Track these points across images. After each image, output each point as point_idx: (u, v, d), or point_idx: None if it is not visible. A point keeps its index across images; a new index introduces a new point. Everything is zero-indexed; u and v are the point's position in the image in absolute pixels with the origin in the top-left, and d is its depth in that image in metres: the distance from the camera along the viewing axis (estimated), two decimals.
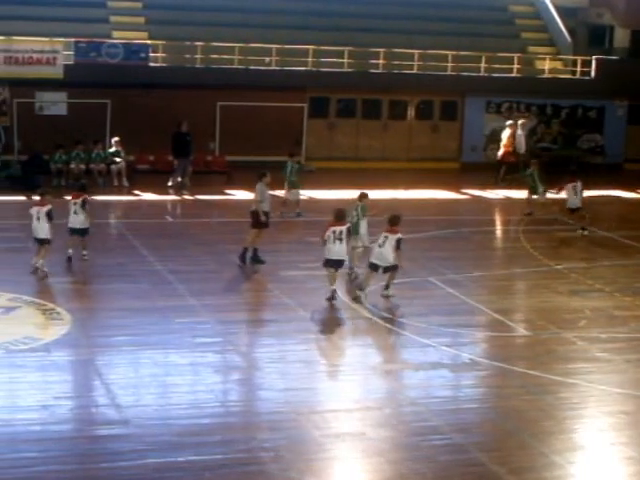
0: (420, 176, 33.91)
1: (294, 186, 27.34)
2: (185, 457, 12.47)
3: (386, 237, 19.33)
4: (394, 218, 19.74)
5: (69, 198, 21.81)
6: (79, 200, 21.37)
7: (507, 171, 33.87)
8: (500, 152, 34.83)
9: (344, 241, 19.23)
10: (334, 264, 19.32)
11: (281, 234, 24.34)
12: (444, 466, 12.79)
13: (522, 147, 34.80)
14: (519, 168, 32.24)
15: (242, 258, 21.59)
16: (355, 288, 19.80)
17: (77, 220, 21.31)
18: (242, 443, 13.11)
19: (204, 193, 29.81)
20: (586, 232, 25.75)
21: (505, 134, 34.99)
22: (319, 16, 37.50)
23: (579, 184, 26.09)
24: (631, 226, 27.88)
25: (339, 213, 19.62)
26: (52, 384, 14.76)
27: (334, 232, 19.16)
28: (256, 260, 21.69)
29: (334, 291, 19.25)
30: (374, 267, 19.43)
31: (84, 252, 21.44)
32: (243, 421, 14.03)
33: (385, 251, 19.29)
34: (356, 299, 19.30)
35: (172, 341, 16.89)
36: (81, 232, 21.45)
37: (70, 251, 21.22)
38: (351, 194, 30.42)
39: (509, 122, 35.62)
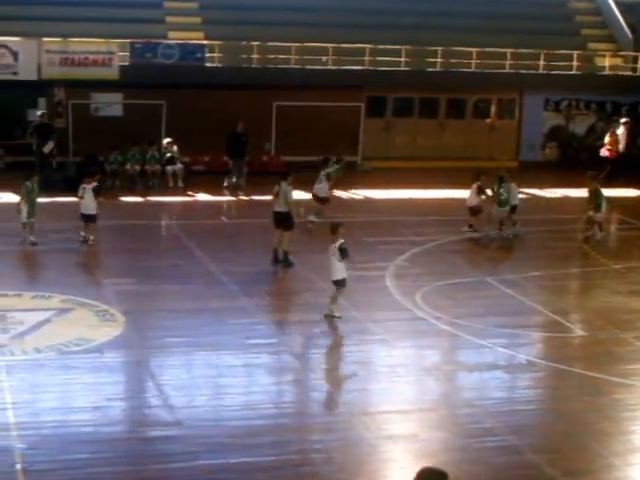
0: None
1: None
2: (237, 459, 12.44)
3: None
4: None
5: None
6: (89, 186, 21.70)
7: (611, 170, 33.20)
8: (604, 150, 34.60)
9: (334, 258, 18.01)
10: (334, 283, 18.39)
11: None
12: (498, 468, 12.64)
13: (622, 145, 34.76)
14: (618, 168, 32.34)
15: (275, 261, 21.52)
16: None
17: (84, 205, 21.74)
18: (294, 444, 13.06)
19: (260, 194, 29.83)
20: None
21: (619, 132, 34.93)
22: (376, 14, 37.32)
23: None
24: None
25: (331, 228, 18.42)
26: (104, 385, 14.79)
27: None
28: (287, 262, 21.55)
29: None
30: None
31: (91, 237, 22.20)
32: (296, 422, 13.98)
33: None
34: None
35: (225, 342, 16.90)
36: (88, 218, 21.84)
37: (82, 234, 22.28)
38: (407, 193, 30.68)
39: (624, 120, 35.50)
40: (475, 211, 25.02)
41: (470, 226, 25.10)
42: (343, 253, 17.79)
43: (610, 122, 38.02)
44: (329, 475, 12.28)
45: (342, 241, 17.89)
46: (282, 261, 21.51)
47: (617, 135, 34.85)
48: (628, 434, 13.93)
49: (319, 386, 15.38)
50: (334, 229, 18.11)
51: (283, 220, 21.57)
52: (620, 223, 27.09)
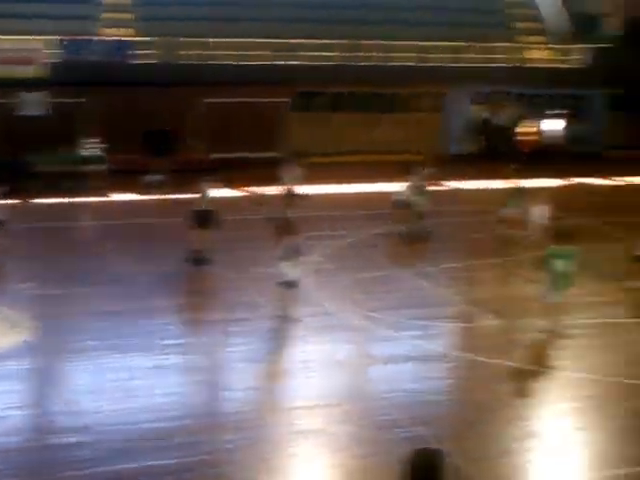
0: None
1: None
2: (147, 462, 12.45)
3: None
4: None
5: None
6: None
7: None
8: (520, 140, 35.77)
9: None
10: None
11: (256, 231, 24.23)
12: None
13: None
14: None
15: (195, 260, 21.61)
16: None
17: None
18: (207, 445, 13.08)
19: (187, 192, 29.66)
20: None
21: (544, 124, 36.15)
22: (307, 9, 37.29)
23: None
24: (611, 213, 27.78)
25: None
26: (8, 394, 14.53)
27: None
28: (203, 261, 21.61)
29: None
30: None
31: None
32: (207, 422, 13.98)
33: None
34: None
35: (136, 344, 16.85)
36: None
37: None
38: (337, 189, 30.73)
39: (550, 112, 36.51)
40: (403, 206, 25.19)
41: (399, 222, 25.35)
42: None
43: (536, 114, 38.51)
44: (242, 474, 12.32)
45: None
46: (199, 260, 21.60)
47: (539, 127, 35.45)
48: (527, 419, 14.19)
49: (229, 385, 15.42)
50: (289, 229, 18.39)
51: (203, 219, 21.67)
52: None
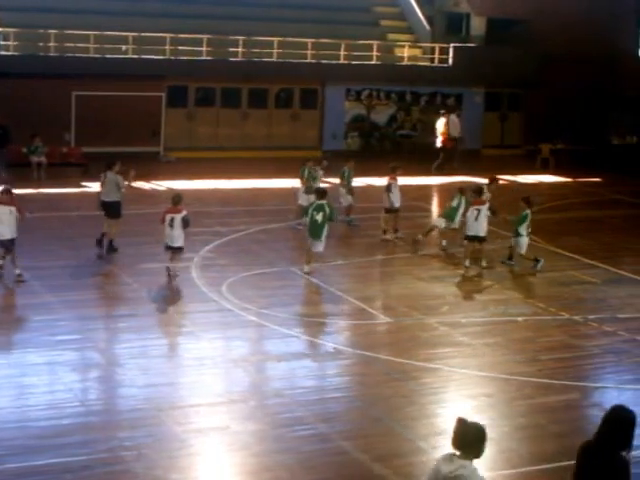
0: (281, 165, 33.75)
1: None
2: (45, 460, 12.15)
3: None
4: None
5: None
6: None
7: (445, 159, 35.29)
8: (439, 140, 36.01)
9: (175, 227, 19.49)
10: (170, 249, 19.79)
11: (140, 226, 23.85)
12: (309, 456, 12.75)
13: (457, 131, 36.41)
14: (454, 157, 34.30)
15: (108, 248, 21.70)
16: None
17: None
18: (103, 443, 12.82)
19: (60, 186, 29.06)
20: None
21: (440, 123, 36.18)
22: (177, 3, 37.06)
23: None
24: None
25: (175, 198, 20.00)
26: None
27: (170, 218, 19.51)
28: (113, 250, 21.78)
29: (167, 268, 19.81)
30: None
31: None
32: (104, 420, 13.69)
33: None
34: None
35: (29, 340, 16.41)
36: None
37: None
38: (212, 184, 30.56)
39: (442, 111, 36.74)
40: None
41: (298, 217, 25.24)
42: (186, 224, 19.56)
43: (410, 111, 39.06)
44: (140, 472, 12.09)
45: (186, 213, 19.55)
46: (108, 249, 21.60)
47: (450, 124, 36.11)
48: (433, 417, 14.30)
49: (126, 381, 15.10)
50: (177, 200, 19.85)
51: (112, 209, 21.67)
52: (422, 210, 27.73)
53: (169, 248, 19.75)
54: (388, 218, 24.22)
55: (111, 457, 12.44)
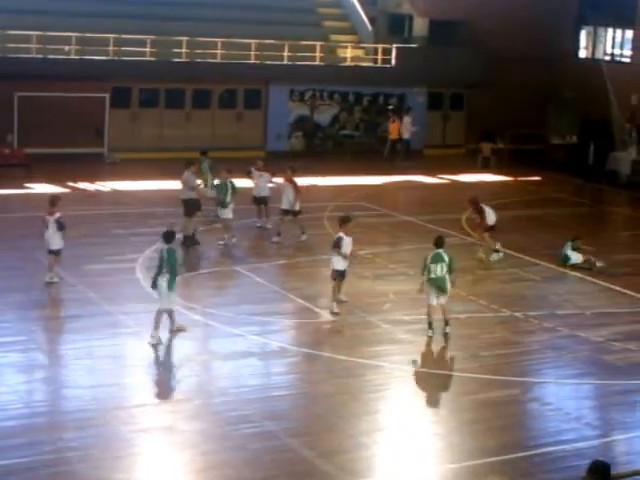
0: (225, 165, 33.74)
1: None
2: None
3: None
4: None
5: None
6: None
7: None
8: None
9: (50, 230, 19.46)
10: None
11: (85, 227, 23.73)
12: (255, 454, 12.86)
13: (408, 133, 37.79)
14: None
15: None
16: None
17: None
18: (49, 444, 12.87)
19: (2, 187, 28.82)
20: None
21: (392, 127, 37.66)
22: (121, 3, 36.88)
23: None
24: (431, 210, 28.56)
25: (51, 200, 19.88)
26: None
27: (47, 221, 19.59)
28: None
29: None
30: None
31: None
32: (49, 421, 13.73)
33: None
34: None
35: None
36: None
37: None
38: (156, 185, 30.49)
39: (393, 119, 37.85)
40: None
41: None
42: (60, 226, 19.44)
43: (353, 112, 39.23)
44: (85, 472, 12.16)
45: (59, 215, 19.44)
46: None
47: (403, 126, 36.87)
48: (374, 413, 14.49)
49: (71, 382, 15.13)
50: (54, 201, 19.69)
51: (184, 206, 23.04)
52: (366, 210, 27.89)
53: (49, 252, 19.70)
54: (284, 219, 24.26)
55: (56, 458, 12.50)
